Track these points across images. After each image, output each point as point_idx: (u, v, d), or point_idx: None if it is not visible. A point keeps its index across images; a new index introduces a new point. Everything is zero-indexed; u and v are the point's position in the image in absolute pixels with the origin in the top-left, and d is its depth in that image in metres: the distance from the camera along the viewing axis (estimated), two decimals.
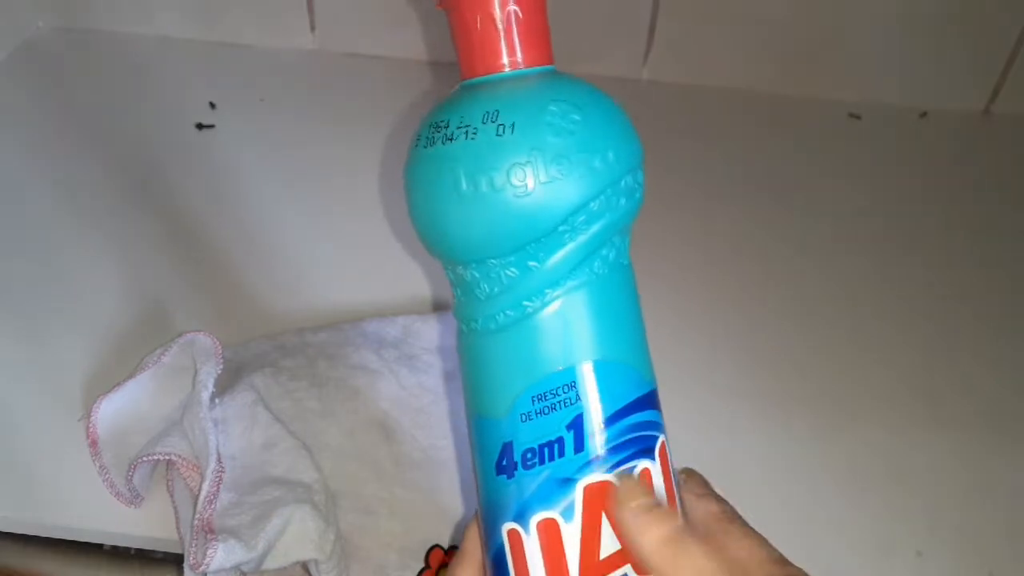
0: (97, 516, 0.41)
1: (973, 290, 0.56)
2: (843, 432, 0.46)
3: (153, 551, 0.42)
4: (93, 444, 0.41)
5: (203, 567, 0.34)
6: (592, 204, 0.27)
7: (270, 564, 0.36)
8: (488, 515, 0.29)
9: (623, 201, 0.28)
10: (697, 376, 0.48)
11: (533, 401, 0.28)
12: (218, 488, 0.38)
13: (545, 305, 0.27)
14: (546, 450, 0.27)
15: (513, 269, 0.27)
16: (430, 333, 0.47)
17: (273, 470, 0.39)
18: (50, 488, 0.42)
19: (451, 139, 0.27)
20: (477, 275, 0.28)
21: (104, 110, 0.67)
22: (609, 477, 0.27)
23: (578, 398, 0.28)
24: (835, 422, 0.46)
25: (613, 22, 0.70)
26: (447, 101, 0.28)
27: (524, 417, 0.28)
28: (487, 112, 0.27)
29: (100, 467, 0.41)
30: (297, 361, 0.44)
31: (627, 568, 0.27)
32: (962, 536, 0.42)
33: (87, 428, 0.41)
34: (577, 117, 0.27)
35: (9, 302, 0.51)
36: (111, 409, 0.41)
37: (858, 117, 0.71)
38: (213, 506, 0.37)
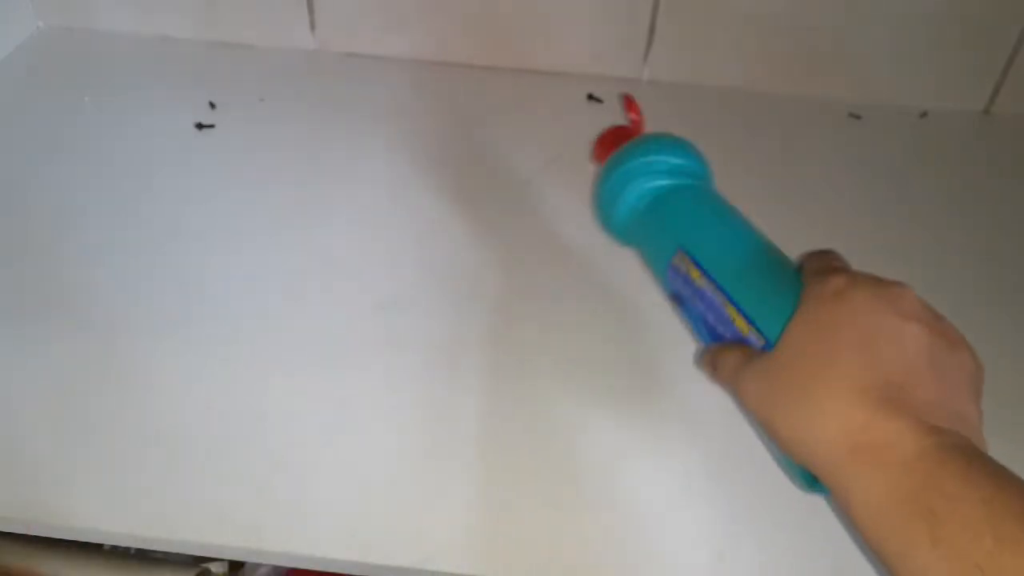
0: (97, 516, 0.41)
1: (974, 289, 0.56)
2: None
3: (153, 551, 0.42)
4: None
5: None
6: None
7: None
8: None
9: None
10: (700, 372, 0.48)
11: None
12: None
13: None
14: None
15: None
16: None
17: None
18: (50, 488, 0.42)
19: None
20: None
21: (104, 110, 0.67)
22: None
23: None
24: None
25: (613, 22, 0.70)
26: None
27: None
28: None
29: None
30: None
31: None
32: None
33: None
34: None
35: (9, 302, 0.51)
36: None
37: (858, 117, 0.71)
38: None
